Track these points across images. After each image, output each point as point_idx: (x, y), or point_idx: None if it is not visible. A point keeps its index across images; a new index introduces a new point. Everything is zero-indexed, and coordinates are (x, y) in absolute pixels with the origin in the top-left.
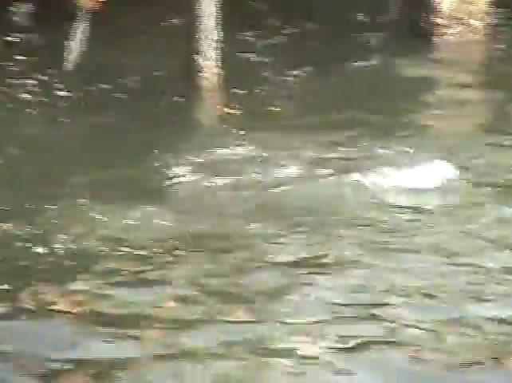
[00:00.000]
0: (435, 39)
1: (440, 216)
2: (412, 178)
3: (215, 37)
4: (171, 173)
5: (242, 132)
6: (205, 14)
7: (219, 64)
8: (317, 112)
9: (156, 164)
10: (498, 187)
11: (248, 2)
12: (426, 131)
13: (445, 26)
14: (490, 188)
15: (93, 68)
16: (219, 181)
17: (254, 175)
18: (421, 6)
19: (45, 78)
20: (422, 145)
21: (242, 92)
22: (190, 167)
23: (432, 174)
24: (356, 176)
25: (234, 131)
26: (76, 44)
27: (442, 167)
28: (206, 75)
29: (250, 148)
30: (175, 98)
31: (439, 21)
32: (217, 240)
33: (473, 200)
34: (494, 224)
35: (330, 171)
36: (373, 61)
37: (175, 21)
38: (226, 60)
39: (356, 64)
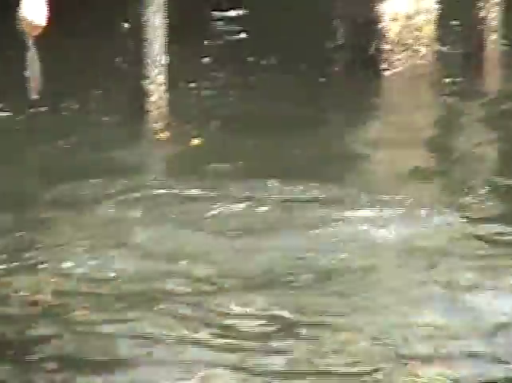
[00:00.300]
0: (383, 68)
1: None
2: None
3: (162, 62)
4: (100, 206)
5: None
6: (152, 39)
7: (166, 89)
8: (253, 155)
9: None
10: None
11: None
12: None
13: (393, 53)
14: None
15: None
16: (150, 218)
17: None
18: (368, 33)
19: None
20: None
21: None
22: (117, 202)
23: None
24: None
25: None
26: (32, 71)
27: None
28: (152, 100)
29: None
30: (118, 122)
31: (386, 47)
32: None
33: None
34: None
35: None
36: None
37: (123, 47)
38: (172, 85)
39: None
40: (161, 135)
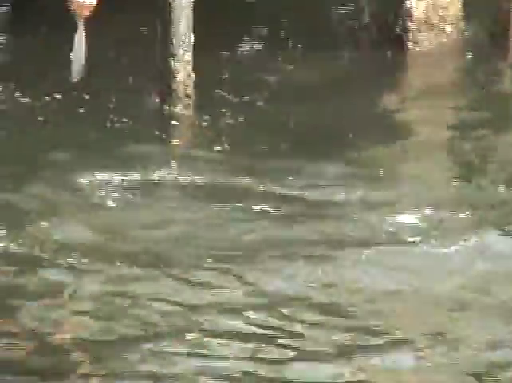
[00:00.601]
0: (409, 47)
1: None
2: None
3: (190, 41)
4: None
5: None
6: (179, 17)
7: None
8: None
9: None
10: None
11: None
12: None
13: (419, 32)
14: None
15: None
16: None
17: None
18: (395, 11)
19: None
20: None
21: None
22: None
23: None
24: None
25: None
26: (78, 54)
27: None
28: (179, 79)
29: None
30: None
31: (412, 26)
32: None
33: None
34: None
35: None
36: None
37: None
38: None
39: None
40: (183, 129)
